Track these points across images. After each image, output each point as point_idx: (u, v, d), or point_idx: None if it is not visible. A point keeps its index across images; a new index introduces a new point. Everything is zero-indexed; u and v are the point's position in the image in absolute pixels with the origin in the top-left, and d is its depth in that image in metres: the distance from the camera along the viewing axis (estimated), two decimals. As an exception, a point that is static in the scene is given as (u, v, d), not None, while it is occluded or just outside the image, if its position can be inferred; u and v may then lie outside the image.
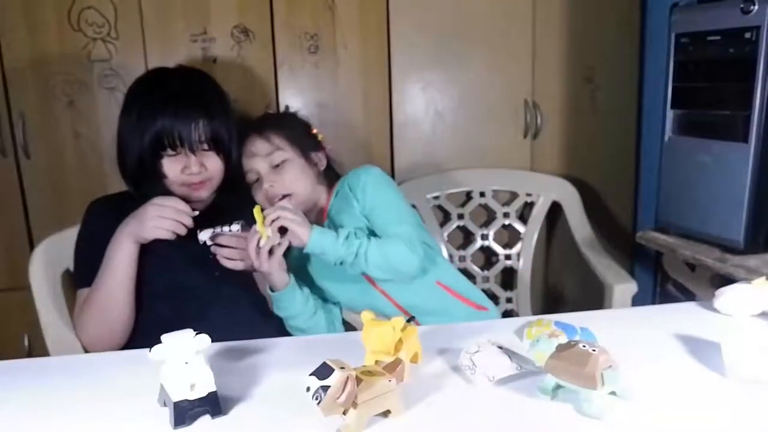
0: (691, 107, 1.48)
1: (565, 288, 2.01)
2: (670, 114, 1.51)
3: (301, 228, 1.06)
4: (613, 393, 0.72)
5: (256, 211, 1.05)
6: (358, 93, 1.76)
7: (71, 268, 1.22)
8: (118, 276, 1.08)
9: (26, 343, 1.61)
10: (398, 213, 1.19)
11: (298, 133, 1.28)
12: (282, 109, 1.70)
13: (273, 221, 1.05)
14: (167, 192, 1.15)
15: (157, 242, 1.08)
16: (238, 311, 1.15)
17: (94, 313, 1.09)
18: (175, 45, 1.62)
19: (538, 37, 1.80)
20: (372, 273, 1.13)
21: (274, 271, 1.09)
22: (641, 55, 1.89)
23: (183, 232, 1.07)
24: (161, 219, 1.06)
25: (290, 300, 1.14)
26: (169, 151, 1.12)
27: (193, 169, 1.13)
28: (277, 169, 1.21)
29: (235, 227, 1.08)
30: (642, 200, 1.97)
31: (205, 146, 1.14)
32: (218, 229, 1.08)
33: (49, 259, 1.23)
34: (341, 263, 1.10)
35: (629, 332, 0.94)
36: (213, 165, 1.16)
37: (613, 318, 1.00)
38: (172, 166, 1.13)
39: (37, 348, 1.57)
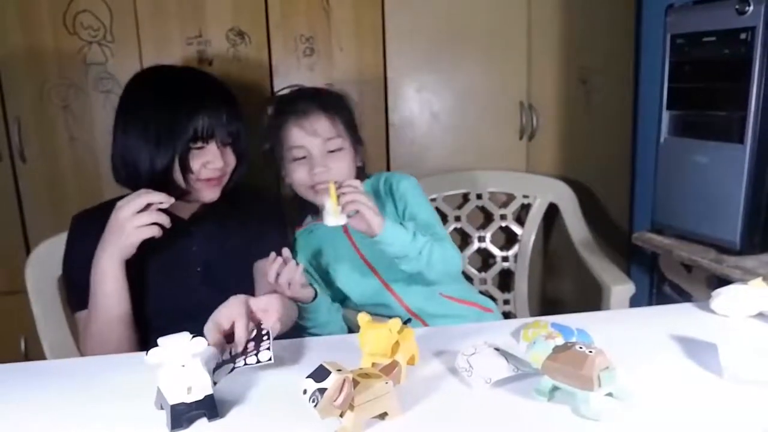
0: (687, 108, 1.48)
1: (562, 290, 2.01)
2: (665, 115, 1.52)
3: (376, 217, 1.05)
4: (609, 394, 0.73)
5: (332, 187, 1.04)
6: (353, 95, 1.74)
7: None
8: (111, 302, 1.03)
9: (23, 346, 1.61)
10: (438, 220, 1.27)
11: (353, 122, 1.26)
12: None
13: (347, 204, 1.04)
14: (176, 190, 1.10)
15: (150, 257, 1.03)
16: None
17: (96, 339, 1.05)
18: (170, 48, 1.62)
19: (534, 39, 1.80)
20: (427, 271, 1.14)
21: (297, 293, 1.07)
22: (636, 56, 1.90)
23: (167, 223, 1.01)
24: (138, 216, 0.99)
25: (316, 311, 1.13)
26: (199, 143, 1.09)
27: (217, 164, 1.10)
28: (331, 155, 1.18)
29: (265, 356, 0.82)
30: (638, 201, 1.97)
31: (229, 139, 1.13)
32: (240, 363, 0.82)
33: (46, 262, 1.23)
34: (400, 258, 1.11)
35: (626, 333, 0.94)
36: (231, 161, 1.15)
37: (609, 319, 1.00)
38: (195, 161, 1.10)
39: (33, 351, 1.57)
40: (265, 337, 0.85)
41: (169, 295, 1.10)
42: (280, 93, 1.32)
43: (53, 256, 1.23)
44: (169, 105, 1.09)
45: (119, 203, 1.01)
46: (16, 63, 1.55)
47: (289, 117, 1.20)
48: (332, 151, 1.19)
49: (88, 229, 1.10)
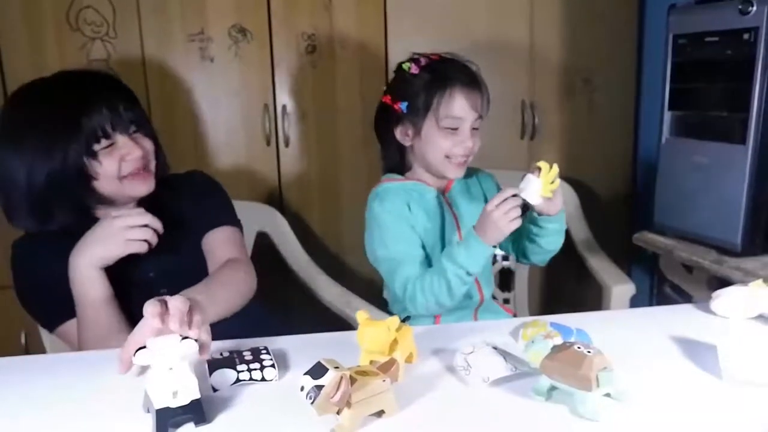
0: (689, 108, 1.48)
1: (562, 289, 2.01)
2: (667, 115, 1.51)
3: (561, 198, 1.12)
4: (608, 395, 0.72)
5: (545, 166, 1.04)
6: (355, 92, 1.76)
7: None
8: (99, 306, 0.99)
9: (23, 340, 1.61)
10: None
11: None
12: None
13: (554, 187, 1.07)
14: (104, 201, 1.05)
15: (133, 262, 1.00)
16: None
17: (92, 344, 1.00)
18: (172, 45, 1.62)
19: (536, 38, 1.80)
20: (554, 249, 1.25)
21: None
22: (639, 56, 1.89)
23: (154, 242, 0.99)
24: (133, 230, 0.97)
25: None
26: (104, 143, 1.00)
27: (135, 154, 1.03)
28: (474, 132, 1.20)
29: (271, 373, 0.81)
30: (639, 201, 1.97)
31: (133, 128, 1.05)
32: (244, 376, 0.80)
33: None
34: (559, 232, 1.20)
35: (625, 334, 0.93)
36: (147, 145, 1.07)
37: (609, 319, 1.00)
38: (110, 160, 1.01)
39: (33, 345, 1.57)
40: (264, 352, 0.85)
41: (128, 307, 1.04)
42: (426, 54, 1.24)
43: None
44: (52, 110, 1.00)
45: (115, 213, 0.98)
46: (21, 59, 1.56)
47: (456, 84, 1.17)
48: (475, 128, 1.20)
49: (31, 251, 1.06)
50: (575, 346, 0.72)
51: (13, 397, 0.78)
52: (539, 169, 1.06)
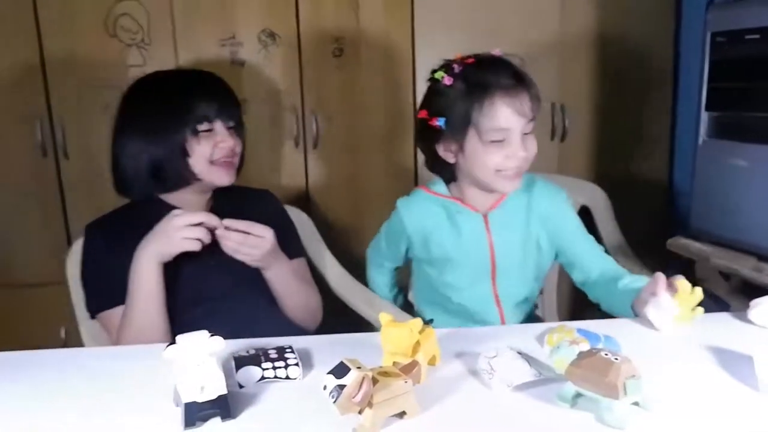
0: (728, 109, 1.43)
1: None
2: (704, 116, 1.47)
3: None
4: (635, 403, 0.71)
5: (684, 284, 0.89)
6: (381, 95, 1.76)
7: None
8: (150, 301, 1.07)
9: (63, 335, 1.67)
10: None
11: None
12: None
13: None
14: (193, 178, 1.16)
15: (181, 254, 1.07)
16: (246, 305, 1.15)
17: (134, 336, 1.08)
18: (204, 49, 1.66)
19: (566, 37, 1.77)
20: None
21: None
22: (675, 54, 1.84)
23: (208, 241, 1.06)
24: (188, 228, 1.04)
25: None
26: (205, 125, 1.14)
27: (228, 142, 1.15)
28: (526, 137, 1.08)
29: (295, 372, 0.82)
30: (674, 206, 1.91)
31: (231, 123, 1.18)
32: (269, 374, 0.82)
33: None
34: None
35: (657, 342, 0.91)
36: (238, 144, 1.20)
37: (639, 326, 0.97)
38: (207, 142, 1.14)
39: (72, 340, 1.62)
40: (289, 350, 0.86)
41: (185, 286, 1.12)
42: (460, 60, 1.12)
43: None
44: (170, 94, 1.16)
45: (175, 212, 1.06)
46: (61, 65, 1.62)
47: (496, 91, 1.05)
48: (526, 133, 1.08)
49: (101, 236, 1.16)
50: (602, 353, 0.71)
51: (51, 388, 0.81)
52: (673, 287, 0.90)
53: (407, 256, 1.30)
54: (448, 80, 1.08)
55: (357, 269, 1.56)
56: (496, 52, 1.13)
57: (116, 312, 1.11)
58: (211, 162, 1.16)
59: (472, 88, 1.06)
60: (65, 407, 0.76)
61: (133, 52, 1.64)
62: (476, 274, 1.19)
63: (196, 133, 1.14)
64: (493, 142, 1.07)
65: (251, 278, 1.16)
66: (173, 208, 1.15)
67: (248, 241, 1.08)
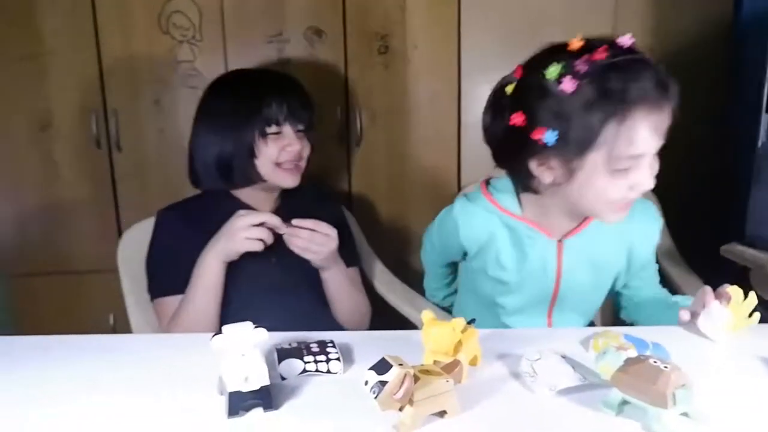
0: (789, 112, 1.37)
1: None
2: (765, 118, 1.41)
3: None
4: (685, 414, 0.68)
5: (736, 292, 0.85)
6: (426, 93, 1.76)
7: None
8: (208, 297, 1.11)
9: (111, 322, 1.72)
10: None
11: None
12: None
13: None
14: (258, 179, 1.19)
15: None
16: (301, 301, 1.18)
17: (184, 327, 1.12)
18: (252, 46, 1.69)
19: (619, 33, 1.72)
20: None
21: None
22: (733, 53, 1.76)
23: (271, 239, 1.09)
24: (251, 229, 1.07)
25: None
26: (274, 128, 1.16)
27: (295, 146, 1.18)
28: (654, 159, 0.88)
29: (336, 366, 0.83)
30: (729, 211, 1.83)
31: (301, 126, 1.20)
32: (311, 367, 0.82)
33: (136, 244, 1.30)
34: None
35: (708, 352, 0.88)
36: (306, 147, 1.22)
37: (690, 335, 0.94)
38: (274, 145, 1.17)
39: (120, 326, 1.68)
40: (330, 345, 0.87)
41: (243, 278, 1.15)
42: (587, 54, 0.82)
43: (142, 239, 1.31)
44: (243, 94, 1.18)
45: (241, 212, 1.10)
46: (116, 61, 1.67)
47: (639, 106, 0.81)
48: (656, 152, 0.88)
49: (172, 223, 1.21)
50: (651, 360, 0.69)
51: (101, 372, 0.84)
52: (724, 296, 0.85)
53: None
54: (569, 85, 0.81)
55: (398, 267, 1.57)
56: (626, 40, 0.83)
57: (173, 300, 1.15)
58: (277, 164, 1.18)
59: (605, 99, 0.81)
60: (113, 391, 0.79)
61: (184, 48, 1.68)
62: (533, 301, 1.08)
63: (264, 134, 1.16)
64: (620, 170, 0.85)
65: (308, 278, 1.20)
66: (242, 203, 1.21)
67: (315, 239, 1.11)
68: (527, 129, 0.87)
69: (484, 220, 1.03)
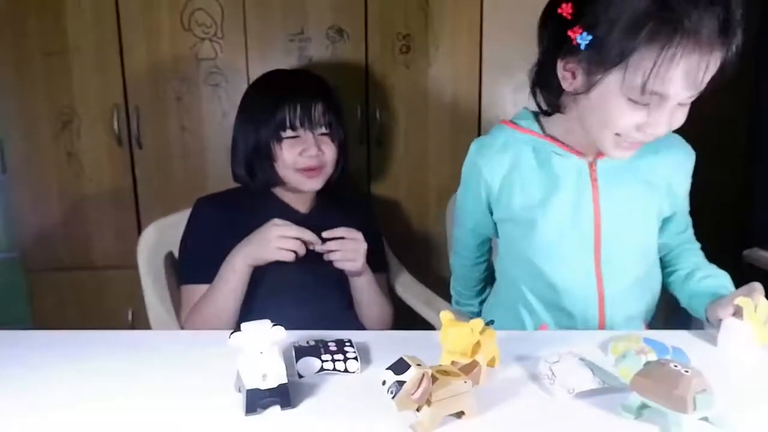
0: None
1: (661, 303, 1.89)
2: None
3: None
4: (705, 419, 0.68)
5: (745, 302, 0.83)
6: (447, 94, 1.75)
7: (174, 251, 1.31)
8: (230, 296, 1.12)
9: (129, 317, 1.74)
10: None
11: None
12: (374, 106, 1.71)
13: None
14: (278, 179, 1.21)
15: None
16: (324, 304, 1.19)
17: (201, 323, 1.13)
18: (274, 45, 1.70)
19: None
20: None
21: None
22: (756, 52, 1.72)
23: (303, 252, 1.09)
24: (285, 240, 1.07)
25: None
26: (290, 132, 1.17)
27: (311, 152, 1.17)
28: (678, 109, 0.83)
29: (353, 365, 0.83)
30: (752, 214, 1.80)
31: (323, 129, 1.20)
32: (328, 366, 0.83)
33: (155, 241, 1.32)
34: None
35: (729, 358, 0.87)
36: (328, 150, 1.21)
37: (710, 340, 0.92)
38: (291, 149, 1.18)
39: (139, 322, 1.70)
40: (348, 344, 0.87)
41: (268, 277, 1.16)
42: None
43: (162, 236, 1.33)
44: (264, 97, 1.20)
45: (276, 221, 1.10)
46: (138, 58, 1.69)
47: (683, 39, 0.74)
48: (681, 104, 0.82)
49: (209, 211, 1.22)
50: (671, 364, 0.68)
51: (119, 367, 0.85)
52: (738, 308, 0.83)
53: (494, 221, 1.07)
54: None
55: (417, 268, 1.56)
56: None
57: (201, 289, 1.16)
58: (297, 169, 1.19)
59: (656, 17, 0.74)
60: (130, 386, 0.80)
61: (206, 45, 1.70)
62: (574, 244, 0.98)
63: (280, 139, 1.17)
64: (633, 101, 0.81)
65: (331, 280, 1.20)
66: (279, 200, 1.23)
67: (347, 246, 1.12)
68: (569, 23, 0.82)
69: (503, 146, 0.98)
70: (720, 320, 0.89)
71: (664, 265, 1.12)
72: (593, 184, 0.96)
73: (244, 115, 1.24)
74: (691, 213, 1.77)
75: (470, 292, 1.27)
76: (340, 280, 1.22)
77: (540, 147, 0.98)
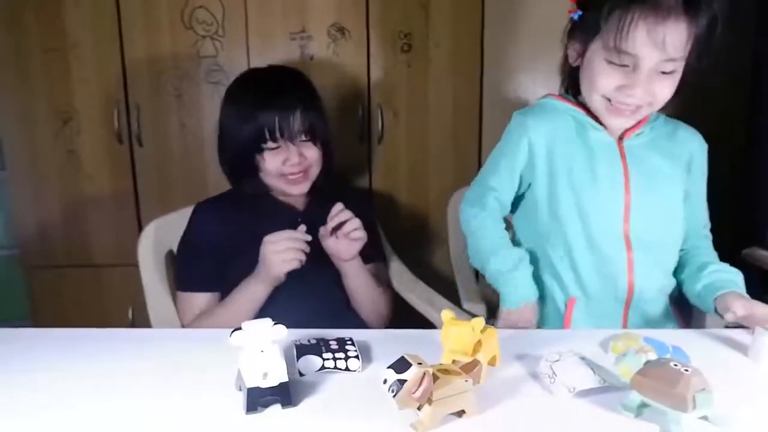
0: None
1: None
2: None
3: None
4: (704, 418, 0.68)
5: None
6: (448, 92, 1.75)
7: (174, 249, 1.31)
8: (242, 317, 1.08)
9: (130, 315, 1.74)
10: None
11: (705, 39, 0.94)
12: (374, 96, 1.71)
13: None
14: (264, 186, 1.21)
15: None
16: (326, 301, 1.19)
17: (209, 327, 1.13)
18: (275, 43, 1.69)
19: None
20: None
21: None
22: (755, 49, 1.72)
23: (303, 257, 1.10)
24: (284, 252, 1.08)
25: None
26: (270, 144, 1.16)
27: (294, 160, 1.17)
28: (658, 78, 0.93)
29: (355, 364, 0.84)
30: (751, 213, 1.81)
31: (303, 137, 1.19)
32: (329, 364, 0.83)
33: (155, 239, 1.32)
34: None
35: (729, 356, 0.88)
36: (311, 154, 1.21)
37: (710, 339, 0.93)
38: (273, 159, 1.18)
39: (139, 320, 1.70)
40: (349, 342, 0.88)
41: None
42: None
43: (163, 234, 1.33)
44: (238, 109, 1.18)
45: (267, 237, 1.08)
46: (139, 56, 1.69)
47: (642, 7, 0.88)
48: (663, 73, 0.92)
49: (207, 219, 1.22)
50: (671, 363, 0.68)
51: (118, 366, 0.85)
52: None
53: (520, 187, 1.11)
54: None
55: (418, 266, 1.57)
56: None
57: (198, 296, 1.17)
58: (282, 175, 1.19)
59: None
60: (131, 384, 0.80)
61: (206, 43, 1.70)
62: (607, 203, 1.03)
63: (261, 150, 1.17)
64: (611, 63, 0.93)
65: (333, 276, 1.21)
66: (275, 199, 1.23)
67: (347, 228, 1.13)
68: (576, 5, 0.98)
69: (551, 112, 1.07)
70: (728, 311, 0.93)
71: (679, 259, 1.14)
72: (622, 159, 1.05)
73: (224, 126, 1.23)
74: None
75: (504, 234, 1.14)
76: (339, 275, 1.22)
77: (580, 119, 1.06)
